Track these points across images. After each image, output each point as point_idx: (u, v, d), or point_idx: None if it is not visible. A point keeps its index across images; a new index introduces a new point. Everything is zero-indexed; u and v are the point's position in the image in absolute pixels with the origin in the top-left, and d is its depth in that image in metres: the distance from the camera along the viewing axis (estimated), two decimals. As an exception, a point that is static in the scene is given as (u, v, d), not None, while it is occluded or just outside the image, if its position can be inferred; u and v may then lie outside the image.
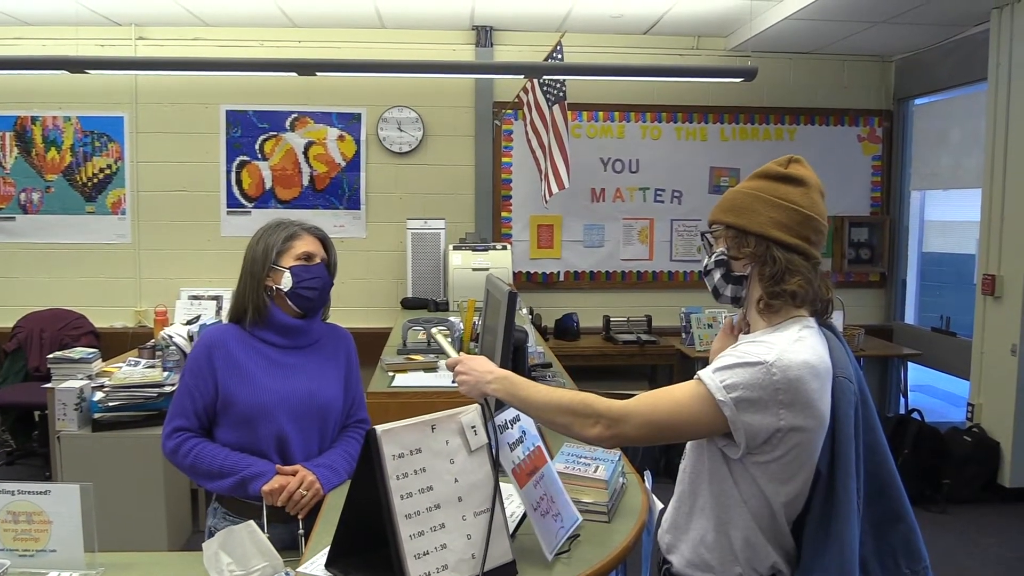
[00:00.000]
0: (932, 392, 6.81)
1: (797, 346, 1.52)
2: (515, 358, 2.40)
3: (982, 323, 5.08)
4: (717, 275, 1.68)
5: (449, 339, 1.95)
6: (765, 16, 5.36)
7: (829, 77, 6.35)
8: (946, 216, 6.79)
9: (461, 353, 1.80)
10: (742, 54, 5.94)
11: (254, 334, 2.20)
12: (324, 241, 2.29)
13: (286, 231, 2.22)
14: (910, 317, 6.50)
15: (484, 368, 1.71)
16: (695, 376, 1.56)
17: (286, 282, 2.17)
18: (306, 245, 2.22)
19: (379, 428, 1.45)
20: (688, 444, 1.71)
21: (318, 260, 2.22)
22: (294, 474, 2.09)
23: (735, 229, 1.65)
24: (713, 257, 1.69)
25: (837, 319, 5.14)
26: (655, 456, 5.26)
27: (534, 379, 2.70)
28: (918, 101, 6.32)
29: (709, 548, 1.61)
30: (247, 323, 2.20)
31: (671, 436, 1.59)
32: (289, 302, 2.19)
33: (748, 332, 1.69)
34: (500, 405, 1.72)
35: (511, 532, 1.70)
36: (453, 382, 1.76)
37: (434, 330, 1.97)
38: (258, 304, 2.17)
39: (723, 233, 1.68)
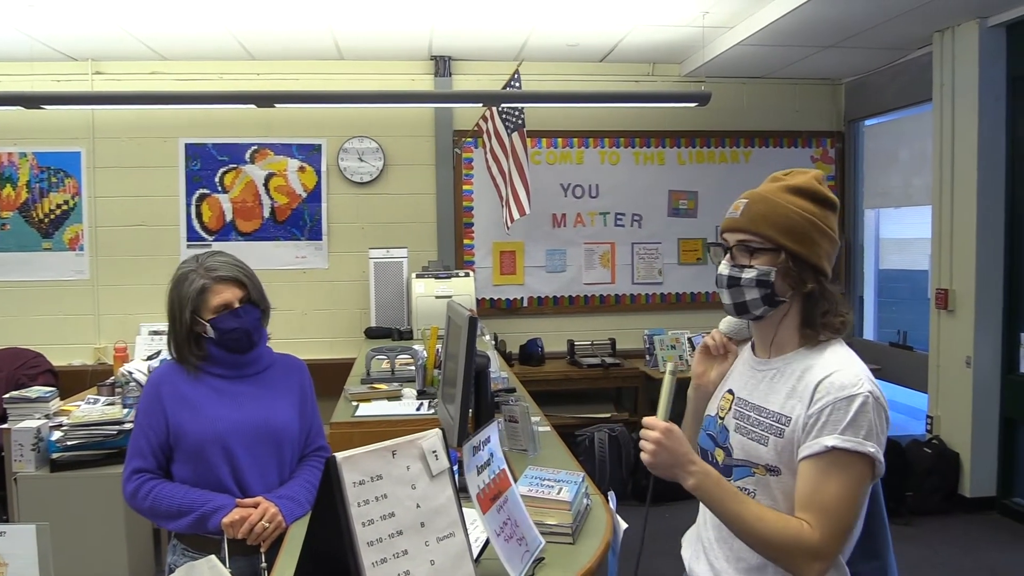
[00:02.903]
0: (892, 406, 6.81)
1: (863, 367, 1.56)
2: (477, 384, 2.41)
3: (937, 336, 5.20)
4: (755, 293, 1.60)
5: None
6: (717, 42, 5.49)
7: (782, 100, 6.49)
8: (901, 234, 6.94)
9: (670, 422, 1.59)
10: (696, 79, 6.06)
11: (200, 368, 2.20)
12: (239, 280, 2.21)
13: (198, 283, 2.17)
14: (869, 333, 6.61)
15: (687, 453, 1.55)
16: (823, 449, 1.49)
17: (211, 332, 2.16)
18: (219, 297, 2.17)
19: (339, 455, 1.45)
20: (772, 486, 1.60)
21: (236, 304, 2.18)
22: (255, 506, 2.08)
23: (794, 256, 1.58)
24: (754, 274, 1.60)
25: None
26: (622, 479, 5.27)
27: (497, 404, 2.73)
28: (868, 122, 6.48)
29: None
30: (190, 366, 2.21)
31: (859, 519, 1.55)
32: (222, 349, 2.19)
33: (762, 353, 1.70)
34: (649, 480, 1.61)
35: (475, 557, 1.70)
36: (639, 438, 1.59)
37: (669, 366, 1.67)
38: (194, 350, 2.19)
39: (773, 254, 1.59)
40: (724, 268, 1.64)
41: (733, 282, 1.62)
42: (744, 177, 6.31)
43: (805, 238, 1.58)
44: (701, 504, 1.79)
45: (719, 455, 1.69)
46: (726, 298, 1.65)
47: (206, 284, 2.17)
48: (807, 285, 1.59)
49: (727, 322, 1.82)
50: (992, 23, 4.76)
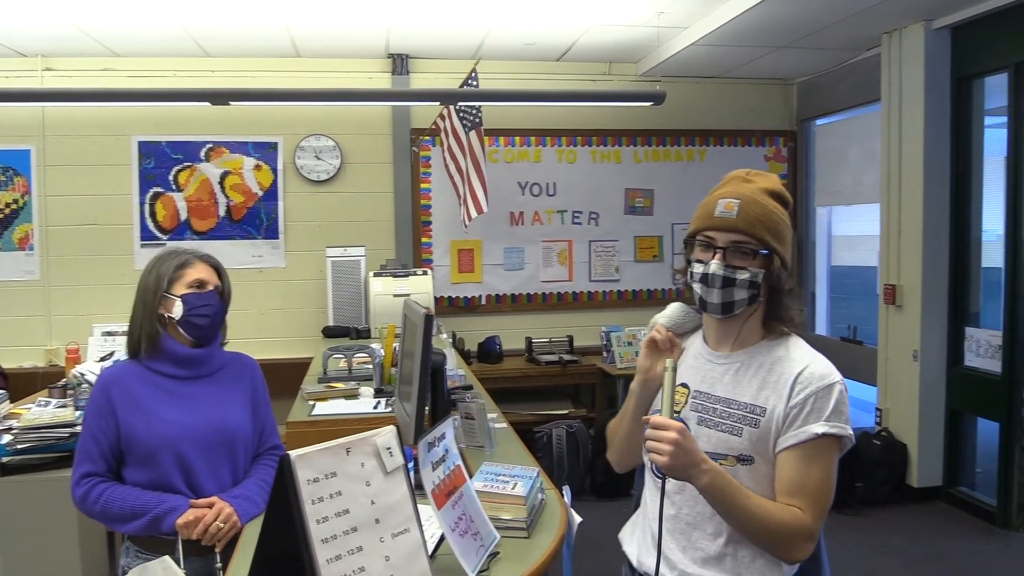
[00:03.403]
0: (843, 400, 7.06)
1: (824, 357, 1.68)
2: (433, 381, 2.43)
3: (886, 331, 5.33)
4: (744, 294, 1.64)
5: (679, 388, 1.71)
6: (672, 42, 5.55)
7: (736, 100, 6.59)
8: (852, 231, 7.08)
9: (680, 422, 1.57)
10: (652, 79, 6.13)
11: (151, 368, 2.18)
12: (218, 269, 2.29)
13: (178, 259, 2.22)
14: (822, 328, 6.74)
15: (700, 452, 1.56)
16: (810, 437, 1.58)
17: (177, 310, 2.16)
18: (198, 273, 2.22)
19: (293, 453, 1.46)
20: (743, 475, 1.64)
21: (210, 288, 2.23)
22: (210, 506, 2.07)
23: (779, 257, 1.66)
24: (748, 276, 1.64)
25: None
26: (580, 474, 5.32)
27: (453, 402, 2.75)
28: (819, 122, 6.60)
29: (757, 570, 1.64)
30: (142, 355, 2.19)
31: None
32: (181, 331, 2.18)
33: (721, 348, 1.75)
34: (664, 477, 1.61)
35: (431, 553, 1.72)
36: (647, 438, 1.56)
37: (669, 362, 1.60)
38: (151, 334, 2.17)
39: (765, 257, 1.65)
40: (717, 268, 1.64)
41: (728, 282, 1.64)
42: (699, 176, 6.40)
43: (786, 241, 1.68)
44: (645, 498, 1.83)
45: None
46: (715, 297, 1.65)
47: (188, 259, 2.23)
48: (787, 286, 1.67)
49: (667, 316, 1.85)
50: (937, 26, 4.89)
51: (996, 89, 4.85)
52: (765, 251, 1.64)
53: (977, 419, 5.04)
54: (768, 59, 5.85)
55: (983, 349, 4.82)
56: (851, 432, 1.61)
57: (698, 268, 1.68)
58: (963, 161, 4.96)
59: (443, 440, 1.81)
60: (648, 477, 1.85)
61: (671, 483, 1.67)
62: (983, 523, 4.77)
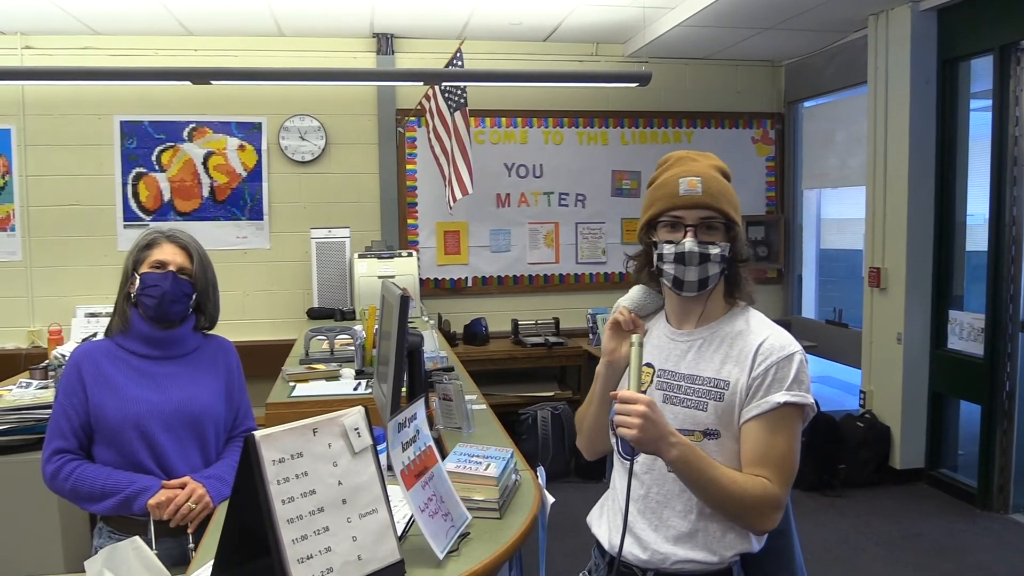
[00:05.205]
0: (829, 382, 7.09)
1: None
2: (410, 362, 2.41)
3: (870, 314, 5.34)
4: (716, 269, 1.67)
5: (644, 369, 1.70)
6: (659, 23, 5.52)
7: (723, 81, 6.56)
8: (842, 214, 7.08)
9: (648, 394, 1.63)
10: (639, 60, 6.10)
11: (122, 346, 2.18)
12: (188, 250, 2.27)
13: (147, 239, 2.24)
14: (809, 311, 6.74)
15: (668, 425, 1.57)
16: (773, 406, 1.59)
17: (136, 289, 2.18)
18: (162, 254, 2.22)
19: (258, 433, 1.45)
20: (710, 449, 1.63)
21: (171, 269, 2.21)
22: (182, 487, 2.06)
23: (736, 228, 1.69)
24: (719, 251, 1.65)
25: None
26: (565, 457, 5.34)
27: (431, 384, 2.75)
28: (806, 104, 6.58)
29: (728, 544, 1.65)
30: (115, 332, 2.20)
31: None
32: (140, 309, 2.19)
33: (684, 326, 1.75)
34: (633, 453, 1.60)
35: (400, 533, 1.71)
36: (616, 412, 1.56)
37: (635, 338, 1.62)
38: (121, 311, 2.19)
39: (728, 231, 1.68)
40: (693, 245, 1.65)
41: (703, 259, 1.65)
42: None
43: (739, 214, 1.70)
44: (613, 480, 1.83)
45: None
46: (692, 275, 1.66)
47: (156, 239, 2.24)
48: (746, 257, 1.71)
49: (631, 299, 1.85)
50: (924, 7, 4.87)
51: (982, 72, 4.84)
52: (728, 224, 1.68)
53: (959, 402, 5.07)
54: (755, 40, 5.82)
55: (966, 332, 4.83)
56: (812, 401, 1.63)
57: (668, 248, 1.67)
58: (948, 144, 4.95)
59: (414, 421, 1.80)
60: (616, 459, 1.84)
61: (639, 464, 1.68)
62: (964, 504, 4.81)
